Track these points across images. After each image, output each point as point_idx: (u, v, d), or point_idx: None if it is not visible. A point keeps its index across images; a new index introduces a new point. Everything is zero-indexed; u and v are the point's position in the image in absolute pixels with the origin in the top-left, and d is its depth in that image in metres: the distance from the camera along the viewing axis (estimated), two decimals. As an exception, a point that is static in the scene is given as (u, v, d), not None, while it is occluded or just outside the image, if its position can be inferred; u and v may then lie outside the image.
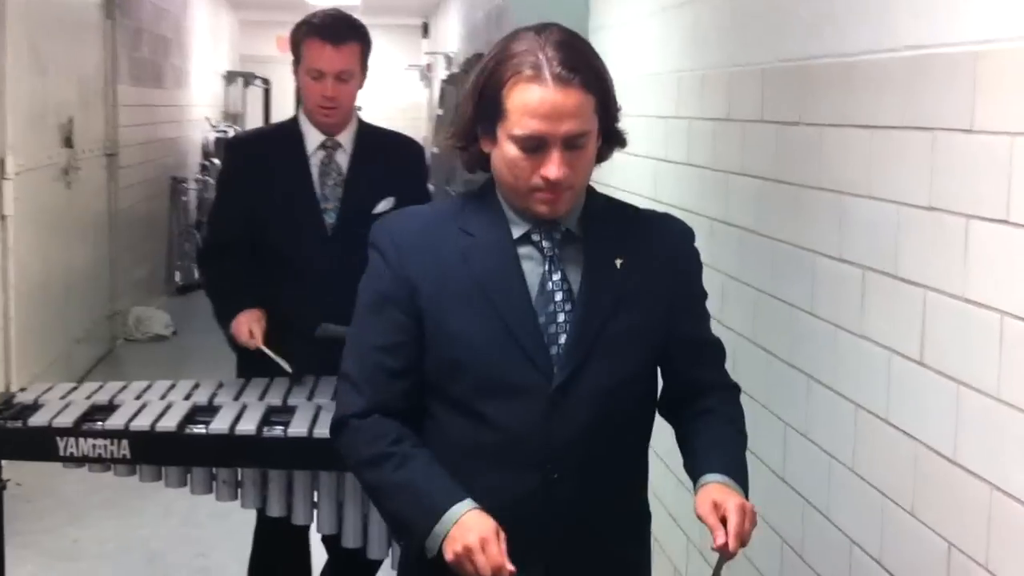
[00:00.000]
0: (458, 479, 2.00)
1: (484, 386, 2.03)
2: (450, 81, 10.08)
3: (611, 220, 2.13)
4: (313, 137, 3.45)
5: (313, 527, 3.08)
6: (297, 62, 3.44)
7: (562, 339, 2.04)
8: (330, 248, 3.40)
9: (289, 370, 3.25)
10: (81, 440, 2.96)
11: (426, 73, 16.66)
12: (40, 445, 3.00)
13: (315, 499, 2.99)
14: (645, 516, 2.25)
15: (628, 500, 2.19)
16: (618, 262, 2.08)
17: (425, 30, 18.03)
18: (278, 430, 2.93)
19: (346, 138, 3.47)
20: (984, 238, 2.24)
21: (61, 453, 2.98)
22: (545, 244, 2.06)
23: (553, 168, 1.96)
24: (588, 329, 2.04)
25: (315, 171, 3.44)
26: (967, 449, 2.31)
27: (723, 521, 1.95)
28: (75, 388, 3.29)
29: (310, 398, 3.15)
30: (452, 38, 12.56)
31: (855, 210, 2.81)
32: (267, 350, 3.28)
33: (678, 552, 3.90)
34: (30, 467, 3.45)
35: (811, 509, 2.96)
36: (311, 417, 2.98)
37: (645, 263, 2.10)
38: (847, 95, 2.85)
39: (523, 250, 2.07)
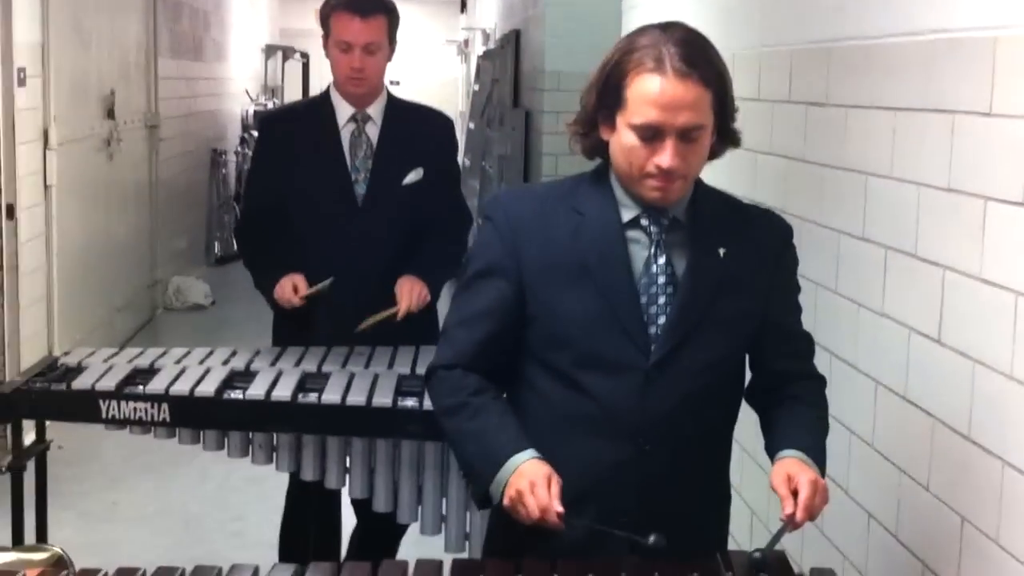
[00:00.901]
0: (554, 444, 2.11)
1: (584, 359, 2.13)
2: (486, 57, 10.11)
3: (717, 211, 2.21)
4: (344, 110, 3.53)
5: (345, 491, 3.16)
6: (327, 36, 3.52)
7: (661, 320, 2.12)
8: (360, 218, 3.48)
9: (329, 291, 3.33)
10: (123, 403, 3.04)
11: (463, 48, 16.68)
12: (83, 407, 3.08)
13: (347, 464, 3.07)
14: (726, 497, 2.34)
15: (712, 479, 2.28)
16: (721, 251, 2.16)
17: (463, 5, 18.04)
18: (312, 396, 3.01)
19: (376, 111, 3.55)
20: (1001, 220, 2.28)
21: (104, 416, 3.06)
22: (653, 229, 2.14)
23: (666, 157, 2.04)
24: (689, 312, 2.12)
25: (346, 143, 3.51)
26: (981, 426, 2.36)
27: (794, 494, 2.02)
28: (117, 353, 3.38)
29: (344, 365, 3.23)
30: (489, 14, 12.57)
31: (878, 190, 2.85)
32: (312, 292, 3.36)
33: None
34: (71, 431, 3.54)
35: (831, 483, 3.01)
36: (344, 384, 3.05)
37: (747, 254, 2.19)
38: (870, 77, 2.89)
39: (631, 233, 2.15)
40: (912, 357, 2.67)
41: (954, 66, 2.47)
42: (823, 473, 2.13)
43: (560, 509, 1.99)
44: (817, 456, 2.15)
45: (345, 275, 3.43)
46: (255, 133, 12.44)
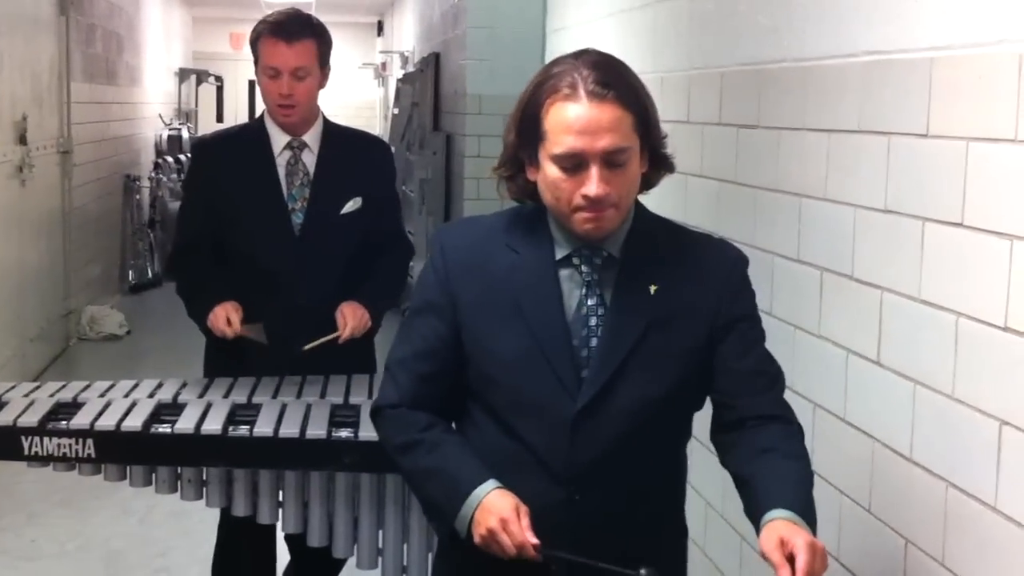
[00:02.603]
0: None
1: (514, 401, 2.08)
2: (406, 80, 10.07)
3: (654, 244, 2.12)
4: (279, 138, 3.45)
5: (278, 527, 3.09)
6: (256, 63, 3.45)
7: (592, 363, 2.06)
8: (297, 249, 3.40)
9: (265, 341, 3.27)
10: (46, 439, 2.93)
11: (380, 71, 16.64)
12: (5, 444, 2.96)
13: (280, 498, 3.00)
14: (679, 532, 2.27)
15: (656, 518, 2.18)
16: (652, 288, 2.07)
17: (380, 28, 18.00)
18: (244, 429, 2.93)
19: (312, 138, 3.48)
20: (939, 240, 2.29)
21: (26, 452, 2.95)
22: (584, 268, 2.08)
23: (592, 186, 1.96)
24: (613, 354, 2.05)
25: (281, 172, 3.44)
26: (923, 447, 2.36)
27: (790, 560, 1.83)
28: (38, 387, 3.27)
29: (275, 396, 3.15)
30: (407, 37, 12.55)
31: (813, 212, 2.86)
32: (245, 332, 3.29)
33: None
34: (-14, 466, 3.43)
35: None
36: (276, 416, 2.98)
37: (684, 288, 2.09)
38: (805, 99, 2.90)
39: (564, 272, 2.08)
40: (851, 379, 2.67)
41: (890, 88, 2.48)
42: (815, 533, 1.93)
43: (535, 541, 1.95)
44: (806, 513, 1.94)
45: (283, 305, 3.36)
46: (168, 158, 12.36)
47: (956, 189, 2.23)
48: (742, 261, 2.18)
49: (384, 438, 2.21)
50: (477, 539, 1.99)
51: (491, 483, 2.03)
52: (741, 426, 2.11)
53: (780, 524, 1.89)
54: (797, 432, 2.13)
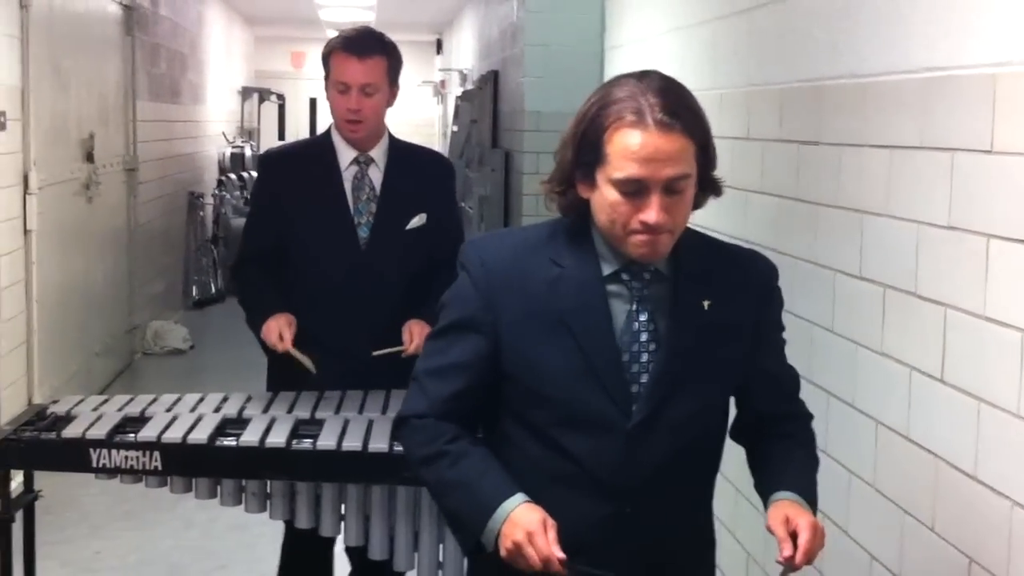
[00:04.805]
0: (534, 499, 2.04)
1: (563, 418, 2.07)
2: (465, 97, 10.13)
3: (699, 259, 2.13)
4: (346, 153, 3.50)
5: (338, 539, 3.12)
6: (327, 77, 3.50)
7: (643, 378, 2.06)
8: (363, 263, 3.44)
9: (312, 371, 3.30)
10: (114, 452, 2.99)
11: (439, 89, 16.74)
12: (73, 457, 3.03)
13: (342, 511, 3.03)
14: (710, 541, 2.29)
15: (696, 527, 2.23)
16: (706, 304, 2.09)
17: (439, 47, 18.11)
18: (307, 443, 2.97)
19: (378, 154, 3.52)
20: (1005, 257, 2.28)
21: (94, 464, 3.01)
22: (634, 284, 2.07)
23: (652, 213, 1.96)
24: (670, 370, 2.06)
25: (348, 186, 3.48)
26: (987, 465, 2.34)
27: (792, 536, 1.99)
28: (106, 401, 3.33)
29: (338, 411, 3.19)
30: (466, 55, 12.61)
31: (874, 229, 2.85)
32: (294, 351, 3.32)
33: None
34: (51, 477, 3.48)
35: (831, 524, 2.99)
36: (339, 430, 3.02)
37: (732, 302, 2.12)
38: (865, 115, 2.89)
39: (612, 287, 2.08)
40: (914, 396, 2.65)
41: (952, 104, 2.47)
42: (815, 512, 2.11)
43: (561, 556, 1.94)
44: (811, 497, 2.12)
45: (347, 319, 3.40)
46: (232, 176, 12.51)
47: (1022, 205, 2.21)
48: (776, 271, 2.24)
49: (407, 448, 2.19)
50: (504, 552, 1.98)
51: (519, 496, 2.02)
52: (764, 423, 2.25)
53: (786, 504, 2.06)
54: (808, 420, 2.30)
